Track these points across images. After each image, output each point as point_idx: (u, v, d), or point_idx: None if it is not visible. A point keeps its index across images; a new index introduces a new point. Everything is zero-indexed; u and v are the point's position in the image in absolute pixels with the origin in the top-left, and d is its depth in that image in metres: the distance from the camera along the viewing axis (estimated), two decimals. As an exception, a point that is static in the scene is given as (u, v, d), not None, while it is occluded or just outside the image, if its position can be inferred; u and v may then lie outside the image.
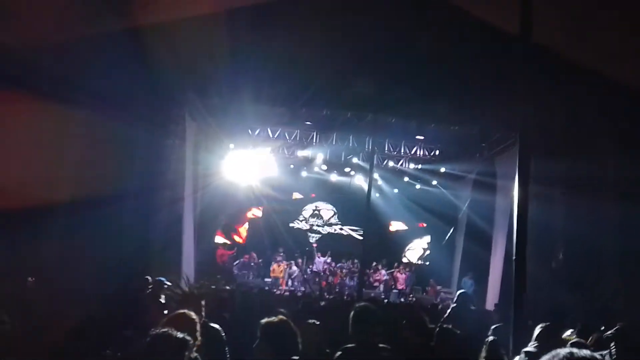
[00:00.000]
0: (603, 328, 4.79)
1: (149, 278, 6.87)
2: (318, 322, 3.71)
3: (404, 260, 18.22)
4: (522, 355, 3.35)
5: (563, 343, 3.43)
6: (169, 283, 6.10)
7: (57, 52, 8.02)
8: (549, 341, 3.29)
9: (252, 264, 15.59)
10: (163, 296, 5.72)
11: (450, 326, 3.71)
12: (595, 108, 8.79)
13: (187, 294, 3.59)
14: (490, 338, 4.17)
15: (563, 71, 8.19)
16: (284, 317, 2.85)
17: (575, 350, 1.34)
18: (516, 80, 5.39)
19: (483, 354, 4.03)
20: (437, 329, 3.66)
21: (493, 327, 6.47)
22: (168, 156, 12.07)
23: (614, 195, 9.82)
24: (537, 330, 3.36)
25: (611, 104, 8.71)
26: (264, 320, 2.82)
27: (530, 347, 3.35)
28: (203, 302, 3.61)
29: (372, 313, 3.29)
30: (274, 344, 2.71)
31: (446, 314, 6.88)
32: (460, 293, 7.90)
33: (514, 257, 4.71)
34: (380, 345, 3.22)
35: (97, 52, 8.55)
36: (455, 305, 7.24)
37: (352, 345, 3.19)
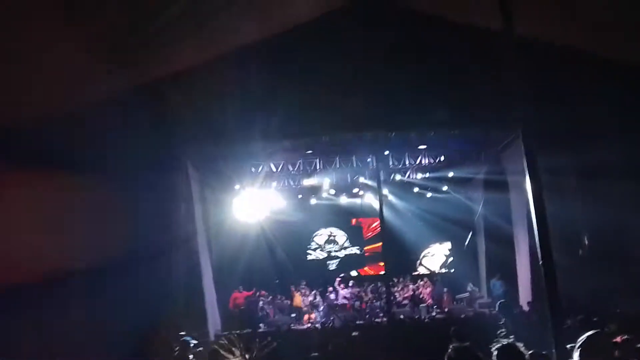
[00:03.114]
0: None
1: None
2: None
3: (421, 269, 17.98)
4: None
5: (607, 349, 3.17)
6: (194, 342, 5.92)
7: (60, 124, 8.09)
8: (595, 353, 3.05)
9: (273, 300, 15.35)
10: (191, 356, 5.55)
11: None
12: (592, 91, 8.68)
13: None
14: (531, 352, 3.92)
15: (554, 59, 8.13)
16: None
17: None
18: (507, 76, 5.33)
19: None
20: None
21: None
22: (177, 208, 12.03)
23: (626, 176, 9.62)
24: (578, 346, 3.09)
25: (606, 85, 8.59)
26: None
27: None
28: None
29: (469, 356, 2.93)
30: None
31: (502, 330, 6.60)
32: (499, 305, 7.62)
33: (540, 262, 4.52)
34: None
35: (97, 119, 8.63)
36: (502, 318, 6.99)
37: None
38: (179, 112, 9.62)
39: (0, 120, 7.01)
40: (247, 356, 2.86)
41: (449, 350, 2.91)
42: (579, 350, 3.09)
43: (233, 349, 2.88)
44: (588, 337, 3.13)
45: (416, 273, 17.69)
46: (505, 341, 3.31)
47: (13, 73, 6.38)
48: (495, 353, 3.12)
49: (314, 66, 10.01)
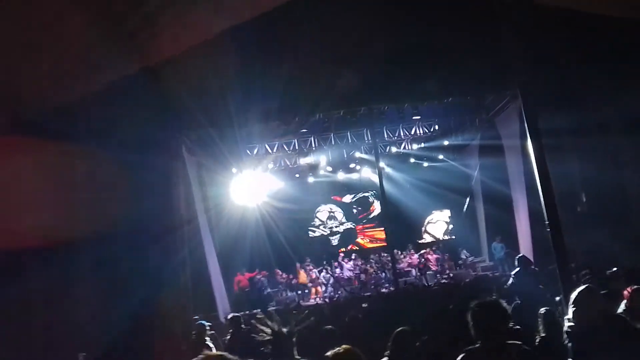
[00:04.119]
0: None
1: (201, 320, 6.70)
2: None
3: (426, 237, 18.21)
4: (567, 328, 3.16)
5: (599, 302, 3.20)
6: (209, 324, 6.04)
7: (62, 109, 8.07)
8: (587, 306, 3.08)
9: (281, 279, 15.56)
10: (208, 338, 5.67)
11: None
12: (585, 50, 8.67)
13: (278, 334, 2.98)
14: (543, 310, 4.05)
15: (544, 20, 8.08)
16: (349, 347, 2.61)
17: None
18: (504, 38, 5.34)
19: (540, 327, 3.91)
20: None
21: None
22: (176, 195, 11.99)
23: (621, 132, 9.71)
24: (571, 302, 3.12)
25: (599, 42, 8.58)
26: (330, 354, 2.54)
27: (570, 321, 3.14)
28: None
29: (495, 310, 2.80)
30: None
31: (510, 282, 6.75)
32: (518, 259, 7.73)
33: (546, 222, 4.62)
34: (509, 342, 2.76)
35: (96, 104, 8.60)
36: (517, 270, 7.12)
37: (478, 345, 2.77)
38: (173, 95, 9.54)
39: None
40: (284, 329, 2.93)
41: (473, 307, 2.80)
42: (572, 305, 3.13)
43: (269, 322, 2.95)
44: (579, 292, 3.16)
45: (422, 241, 17.92)
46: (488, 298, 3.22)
47: (21, 59, 6.33)
48: (476, 310, 2.86)
49: (304, 43, 9.91)
